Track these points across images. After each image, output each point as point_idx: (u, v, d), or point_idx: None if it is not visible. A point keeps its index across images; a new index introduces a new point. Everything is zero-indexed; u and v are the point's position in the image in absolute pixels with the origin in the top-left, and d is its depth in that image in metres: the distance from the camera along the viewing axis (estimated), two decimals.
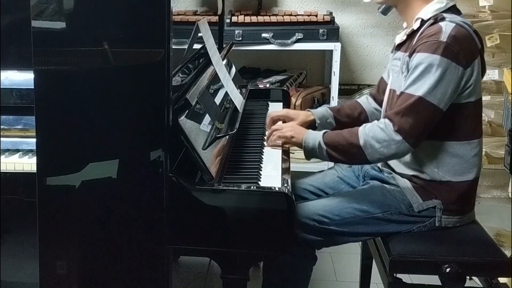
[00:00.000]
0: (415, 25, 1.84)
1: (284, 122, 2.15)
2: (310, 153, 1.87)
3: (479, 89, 1.84)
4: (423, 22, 1.82)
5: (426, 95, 1.72)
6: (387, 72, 2.07)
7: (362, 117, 2.14)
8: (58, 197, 1.56)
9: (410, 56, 1.79)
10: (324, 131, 1.87)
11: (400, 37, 1.94)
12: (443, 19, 1.77)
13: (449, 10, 1.82)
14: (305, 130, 1.93)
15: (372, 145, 1.76)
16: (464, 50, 1.74)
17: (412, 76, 1.75)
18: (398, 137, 1.73)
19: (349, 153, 1.81)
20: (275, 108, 2.53)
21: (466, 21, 1.80)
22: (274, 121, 2.16)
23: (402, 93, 1.77)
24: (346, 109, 2.18)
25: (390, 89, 1.97)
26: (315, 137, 1.85)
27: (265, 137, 2.05)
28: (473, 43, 1.79)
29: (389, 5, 1.95)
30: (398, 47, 1.95)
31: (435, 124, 1.76)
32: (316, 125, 2.12)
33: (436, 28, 1.75)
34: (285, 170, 1.80)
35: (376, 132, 1.76)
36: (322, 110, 2.18)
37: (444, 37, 1.72)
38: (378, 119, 2.04)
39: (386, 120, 1.76)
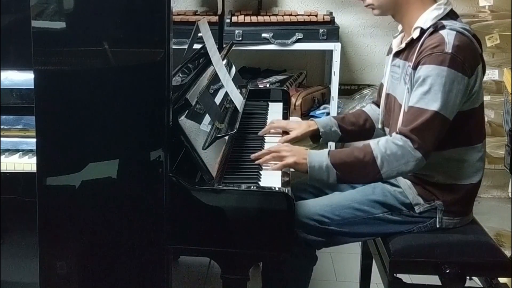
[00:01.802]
0: (414, 34, 1.80)
1: (284, 132, 2.14)
2: (316, 175, 1.77)
3: (482, 94, 1.82)
4: (422, 31, 1.79)
5: (441, 109, 1.69)
6: (384, 76, 2.06)
7: (367, 125, 2.11)
8: (58, 197, 1.56)
9: (414, 68, 1.76)
10: (327, 150, 1.79)
11: (397, 44, 1.92)
12: (443, 27, 1.74)
13: (447, 15, 1.80)
14: (305, 151, 1.81)
15: (389, 163, 1.71)
16: (468, 59, 1.72)
17: (421, 90, 1.71)
18: (418, 155, 1.70)
19: (362, 174, 1.76)
20: (275, 108, 2.53)
21: (465, 26, 1.77)
22: (275, 131, 2.14)
23: (411, 107, 1.73)
24: (350, 117, 2.15)
25: (388, 94, 1.95)
26: (320, 159, 1.76)
27: (260, 155, 1.84)
28: (475, 49, 1.77)
29: (386, 15, 1.93)
30: (397, 53, 1.92)
31: None
32: (320, 133, 2.09)
33: (439, 39, 1.72)
34: (285, 170, 1.80)
35: (393, 150, 1.71)
36: (326, 119, 2.15)
37: (448, 48, 1.69)
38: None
39: (403, 137, 1.71)
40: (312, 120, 2.16)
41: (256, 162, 1.83)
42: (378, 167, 1.72)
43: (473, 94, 1.77)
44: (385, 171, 1.72)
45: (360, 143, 1.86)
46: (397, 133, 1.74)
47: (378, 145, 1.74)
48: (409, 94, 1.78)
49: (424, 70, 1.72)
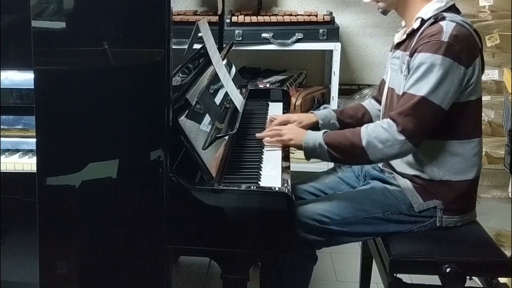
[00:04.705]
0: (415, 25, 1.84)
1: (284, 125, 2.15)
2: (311, 153, 1.87)
3: (480, 88, 1.84)
4: (423, 21, 1.82)
5: (429, 95, 1.72)
6: (386, 73, 2.07)
7: (365, 118, 2.13)
8: (58, 197, 1.56)
9: (410, 56, 1.79)
10: (324, 131, 1.87)
11: (399, 36, 1.94)
12: (443, 18, 1.77)
13: (449, 9, 1.83)
14: (304, 131, 1.91)
15: (375, 146, 1.75)
16: (465, 49, 1.74)
17: (414, 76, 1.75)
18: (402, 137, 1.73)
19: (351, 153, 1.81)
20: (275, 108, 2.53)
21: (466, 20, 1.80)
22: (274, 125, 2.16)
23: (404, 93, 1.77)
24: (349, 110, 2.17)
25: (389, 88, 1.97)
26: (315, 137, 1.84)
27: (263, 132, 2.02)
28: (474, 42, 1.79)
29: (390, 9, 1.94)
30: (397, 46, 1.95)
31: (437, 123, 1.76)
32: (319, 126, 2.11)
33: (437, 28, 1.75)
34: (285, 170, 1.80)
35: (379, 132, 1.75)
36: (325, 111, 2.17)
37: (445, 37, 1.72)
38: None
39: (389, 120, 1.76)
40: (312, 112, 2.19)
41: (257, 136, 1.96)
42: (364, 149, 1.76)
43: (470, 86, 1.78)
44: (371, 153, 1.77)
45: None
46: (386, 117, 1.78)
47: (367, 128, 1.79)
48: (405, 81, 1.80)
49: (419, 57, 1.75)
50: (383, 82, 2.10)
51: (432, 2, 1.83)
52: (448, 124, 1.79)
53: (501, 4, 2.94)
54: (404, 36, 1.90)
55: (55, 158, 1.55)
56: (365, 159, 1.79)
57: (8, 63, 1.93)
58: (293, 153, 2.50)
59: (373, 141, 1.75)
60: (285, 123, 2.13)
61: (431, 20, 1.79)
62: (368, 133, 1.77)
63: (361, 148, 1.77)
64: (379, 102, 2.13)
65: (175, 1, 3.33)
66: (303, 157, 1.91)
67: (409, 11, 1.88)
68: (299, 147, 1.90)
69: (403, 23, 1.96)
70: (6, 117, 1.92)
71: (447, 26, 1.74)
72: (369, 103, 2.18)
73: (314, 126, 2.13)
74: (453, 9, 1.84)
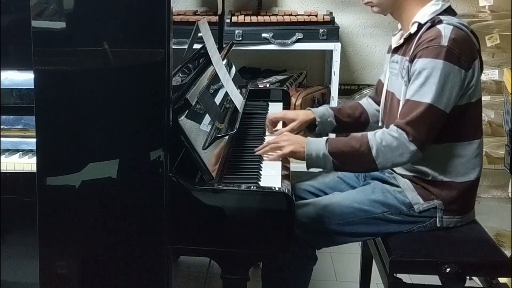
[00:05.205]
0: (412, 29, 1.82)
1: (283, 123, 2.15)
2: (314, 163, 1.81)
3: (479, 90, 1.84)
4: (420, 25, 1.81)
5: (435, 102, 1.71)
6: (384, 74, 2.07)
7: (363, 118, 2.13)
8: (58, 197, 1.56)
9: (410, 61, 1.78)
10: (325, 138, 1.81)
11: (396, 40, 1.94)
12: (440, 21, 1.76)
13: (445, 11, 1.82)
14: (303, 140, 1.84)
15: (384, 154, 1.74)
16: (465, 52, 1.73)
17: (417, 82, 1.74)
18: (413, 147, 1.72)
19: (358, 163, 1.79)
20: (275, 108, 2.53)
21: (463, 22, 1.79)
22: (273, 123, 2.16)
23: (408, 100, 1.76)
24: (347, 109, 2.17)
25: (388, 91, 1.97)
26: (318, 147, 1.79)
27: (260, 148, 1.89)
28: (472, 44, 1.78)
29: (386, 12, 1.94)
30: (395, 49, 1.94)
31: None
32: (316, 123, 2.11)
33: (435, 32, 1.74)
34: (285, 170, 1.80)
35: (389, 141, 1.73)
36: (323, 109, 2.16)
37: (444, 41, 1.71)
38: (378, 120, 2.05)
39: (398, 129, 1.73)
40: (309, 109, 2.17)
41: (257, 153, 1.87)
42: (373, 158, 1.74)
43: (470, 88, 1.78)
44: (380, 162, 1.75)
45: (357, 135, 1.88)
46: (394, 125, 1.76)
47: (375, 136, 1.76)
48: (405, 87, 1.80)
49: (420, 63, 1.74)
50: (380, 83, 2.10)
51: (427, 5, 1.82)
52: (449, 127, 1.78)
53: (501, 4, 2.94)
54: (402, 41, 1.89)
55: (55, 158, 1.55)
56: (372, 167, 1.78)
57: (8, 63, 1.93)
58: None
59: (383, 150, 1.74)
60: (282, 119, 2.13)
61: (428, 24, 1.78)
62: (377, 141, 1.74)
63: (369, 157, 1.74)
64: (376, 101, 2.13)
65: (175, 1, 3.33)
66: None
67: (405, 15, 1.87)
68: (301, 158, 1.83)
69: (399, 26, 1.96)
70: (6, 117, 1.92)
71: (445, 30, 1.73)
72: (366, 102, 2.17)
73: (312, 123, 2.12)
74: (449, 11, 1.83)
